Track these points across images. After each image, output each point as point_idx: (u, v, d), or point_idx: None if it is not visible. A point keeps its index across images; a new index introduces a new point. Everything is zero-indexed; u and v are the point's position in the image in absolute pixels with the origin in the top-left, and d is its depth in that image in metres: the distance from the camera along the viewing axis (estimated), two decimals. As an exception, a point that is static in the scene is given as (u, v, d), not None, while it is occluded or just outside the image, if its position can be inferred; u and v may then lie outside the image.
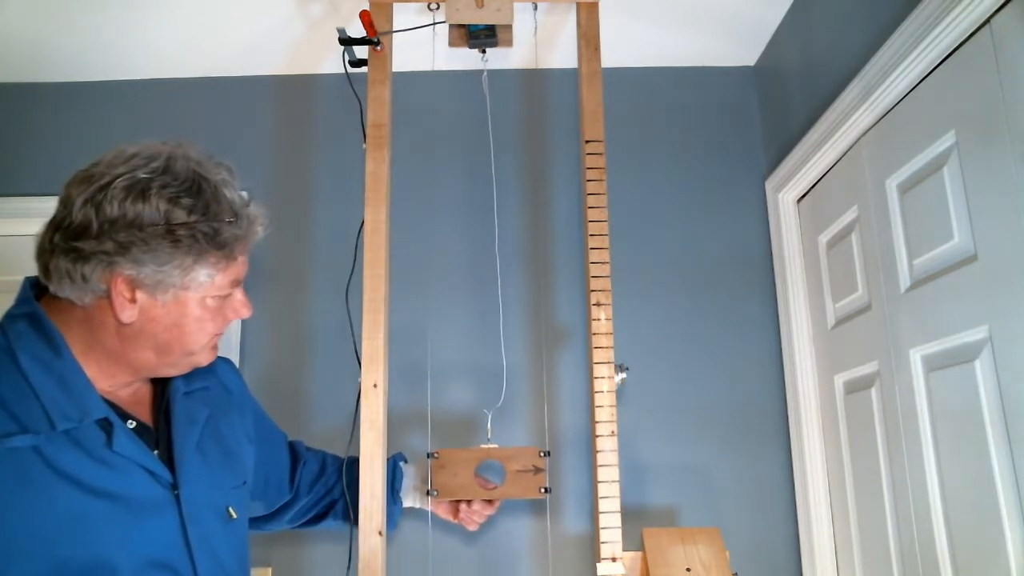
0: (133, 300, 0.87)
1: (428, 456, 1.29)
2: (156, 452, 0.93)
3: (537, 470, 1.28)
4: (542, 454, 1.29)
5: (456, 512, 1.34)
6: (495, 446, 1.30)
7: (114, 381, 0.93)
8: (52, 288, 0.89)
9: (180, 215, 0.86)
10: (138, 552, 0.87)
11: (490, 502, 1.33)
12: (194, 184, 0.89)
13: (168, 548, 0.90)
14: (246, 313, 0.98)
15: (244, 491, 1.08)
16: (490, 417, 1.37)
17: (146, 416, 0.97)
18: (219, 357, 1.06)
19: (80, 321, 0.90)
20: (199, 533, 0.93)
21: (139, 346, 0.90)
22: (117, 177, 0.86)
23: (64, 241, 0.86)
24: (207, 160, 0.93)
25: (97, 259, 0.85)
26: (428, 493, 1.28)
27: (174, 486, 0.92)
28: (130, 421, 0.93)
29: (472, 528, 1.34)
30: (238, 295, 0.97)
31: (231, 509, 1.01)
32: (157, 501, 0.90)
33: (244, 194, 0.96)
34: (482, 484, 1.31)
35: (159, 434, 0.96)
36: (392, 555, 1.53)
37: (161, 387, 1.01)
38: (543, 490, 1.28)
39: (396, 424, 1.59)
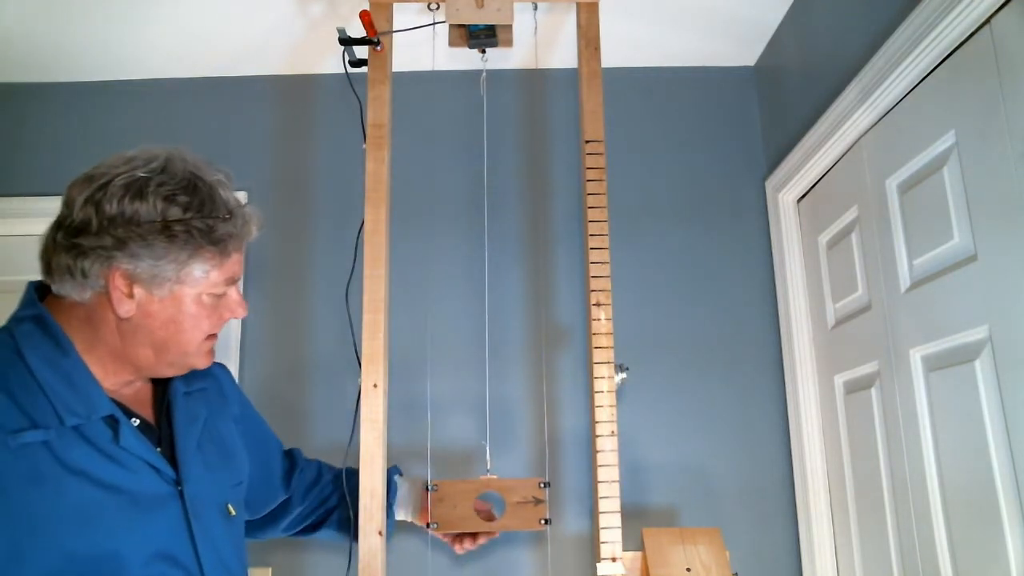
0: (131, 295, 0.90)
1: (427, 488, 1.28)
2: (159, 450, 0.95)
3: (537, 501, 1.27)
4: (542, 485, 1.28)
5: (453, 539, 1.33)
6: (495, 477, 1.29)
7: (117, 379, 0.95)
8: (55, 287, 0.91)
9: (176, 212, 0.89)
10: (145, 545, 0.89)
11: (474, 536, 1.30)
12: (190, 183, 0.92)
13: (174, 542, 0.92)
14: (241, 313, 1.00)
15: (241, 490, 1.11)
16: (488, 449, 1.36)
17: (148, 415, 0.99)
18: (215, 362, 1.08)
19: (82, 320, 0.91)
20: (203, 529, 0.95)
21: (137, 343, 0.92)
22: (116, 176, 0.89)
23: (65, 239, 0.89)
24: (204, 164, 0.96)
25: (96, 254, 0.87)
26: (428, 526, 1.27)
27: (177, 483, 0.94)
28: (134, 419, 0.95)
29: (459, 552, 1.32)
30: (233, 294, 0.99)
31: (230, 506, 1.03)
32: (162, 496, 0.92)
33: (243, 196, 0.97)
34: (482, 509, 1.28)
35: (161, 432, 0.98)
36: (391, 555, 1.53)
37: (162, 387, 1.02)
38: (543, 521, 1.27)
39: (396, 416, 1.59)
